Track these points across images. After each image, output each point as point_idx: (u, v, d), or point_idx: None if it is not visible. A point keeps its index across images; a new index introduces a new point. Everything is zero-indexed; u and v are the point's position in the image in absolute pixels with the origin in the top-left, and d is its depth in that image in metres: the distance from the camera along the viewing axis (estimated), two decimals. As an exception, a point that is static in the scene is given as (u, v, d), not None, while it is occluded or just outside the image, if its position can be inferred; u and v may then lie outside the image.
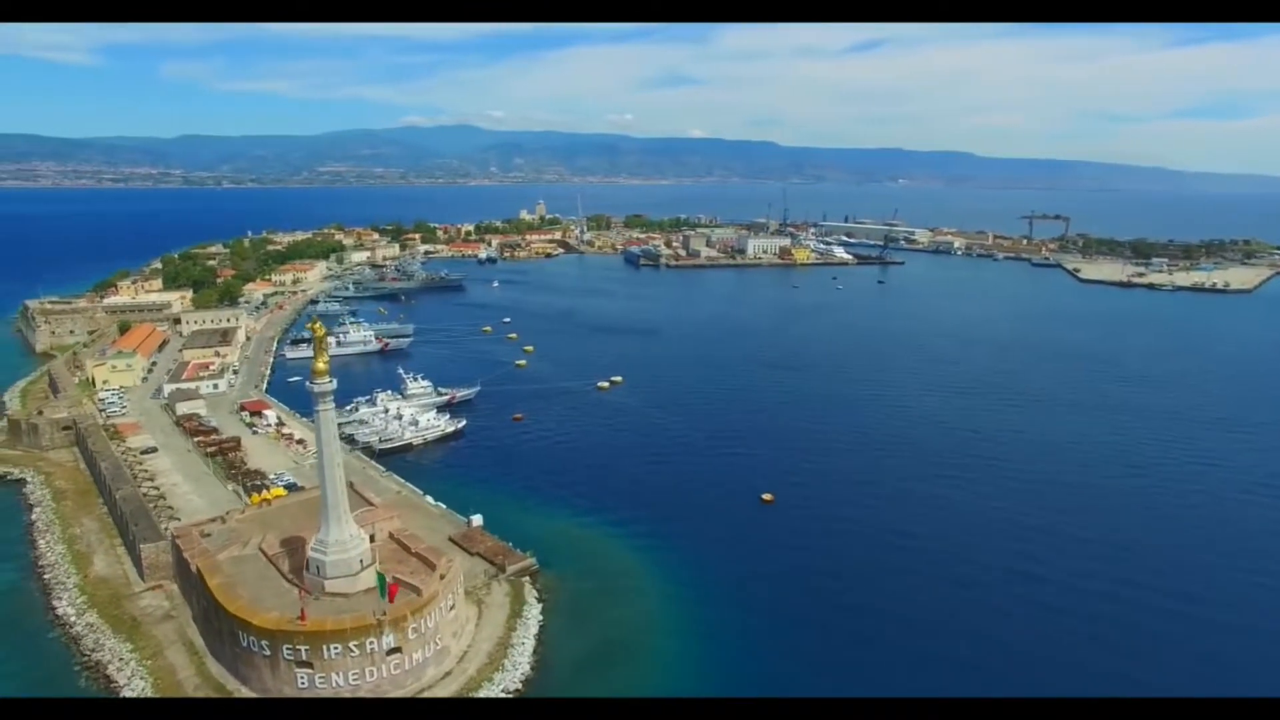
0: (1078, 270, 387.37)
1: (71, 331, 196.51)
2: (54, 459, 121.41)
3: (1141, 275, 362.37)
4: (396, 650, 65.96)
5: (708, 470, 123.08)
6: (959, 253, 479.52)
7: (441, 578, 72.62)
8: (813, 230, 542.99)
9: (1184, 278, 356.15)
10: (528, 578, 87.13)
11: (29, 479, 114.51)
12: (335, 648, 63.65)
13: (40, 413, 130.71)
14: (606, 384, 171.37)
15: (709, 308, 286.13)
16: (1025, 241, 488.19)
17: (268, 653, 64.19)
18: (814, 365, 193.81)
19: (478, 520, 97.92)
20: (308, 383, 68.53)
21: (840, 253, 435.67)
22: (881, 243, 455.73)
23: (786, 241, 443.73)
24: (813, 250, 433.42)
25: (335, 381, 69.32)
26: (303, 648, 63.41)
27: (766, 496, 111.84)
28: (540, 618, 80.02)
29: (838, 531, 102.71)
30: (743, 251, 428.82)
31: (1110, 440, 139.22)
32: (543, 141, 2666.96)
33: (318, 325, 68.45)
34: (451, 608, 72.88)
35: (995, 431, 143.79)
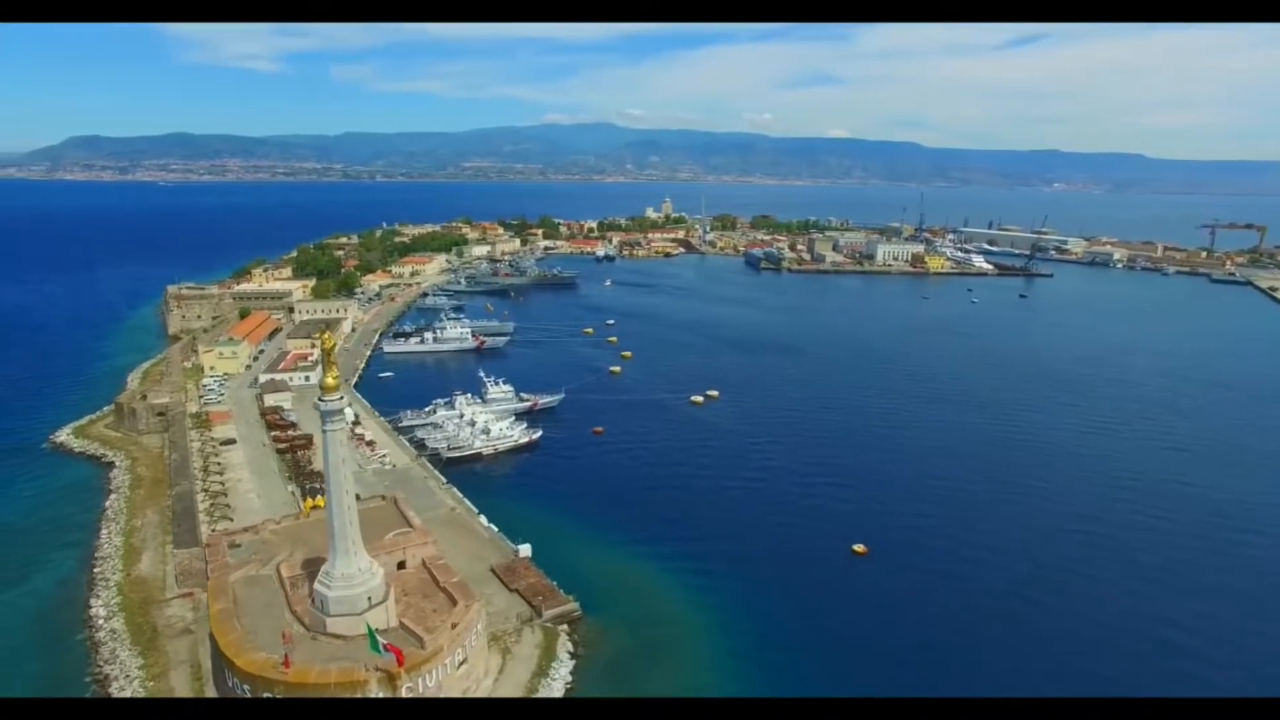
0: (1275, 289, 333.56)
1: (199, 316, 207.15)
2: (145, 444, 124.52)
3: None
4: (388, 710, 57.88)
5: (795, 509, 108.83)
6: (1119, 265, 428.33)
7: (454, 626, 64.18)
8: (951, 237, 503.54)
9: None
10: (565, 625, 77.39)
11: (117, 462, 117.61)
12: (318, 703, 56.35)
13: (144, 397, 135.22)
14: (701, 398, 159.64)
15: (826, 318, 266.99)
16: (1205, 254, 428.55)
17: (249, 697, 57.89)
18: (936, 390, 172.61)
19: (525, 550, 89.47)
20: (315, 400, 61.91)
21: (979, 262, 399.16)
22: (1027, 252, 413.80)
23: (920, 248, 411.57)
24: (948, 258, 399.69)
25: (345, 399, 62.35)
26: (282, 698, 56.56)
27: (859, 548, 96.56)
28: (569, 678, 70.08)
29: (940, 599, 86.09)
30: (871, 257, 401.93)
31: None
32: (679, 140, 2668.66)
33: (326, 336, 61.74)
34: (462, 662, 64.29)
35: (1155, 484, 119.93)
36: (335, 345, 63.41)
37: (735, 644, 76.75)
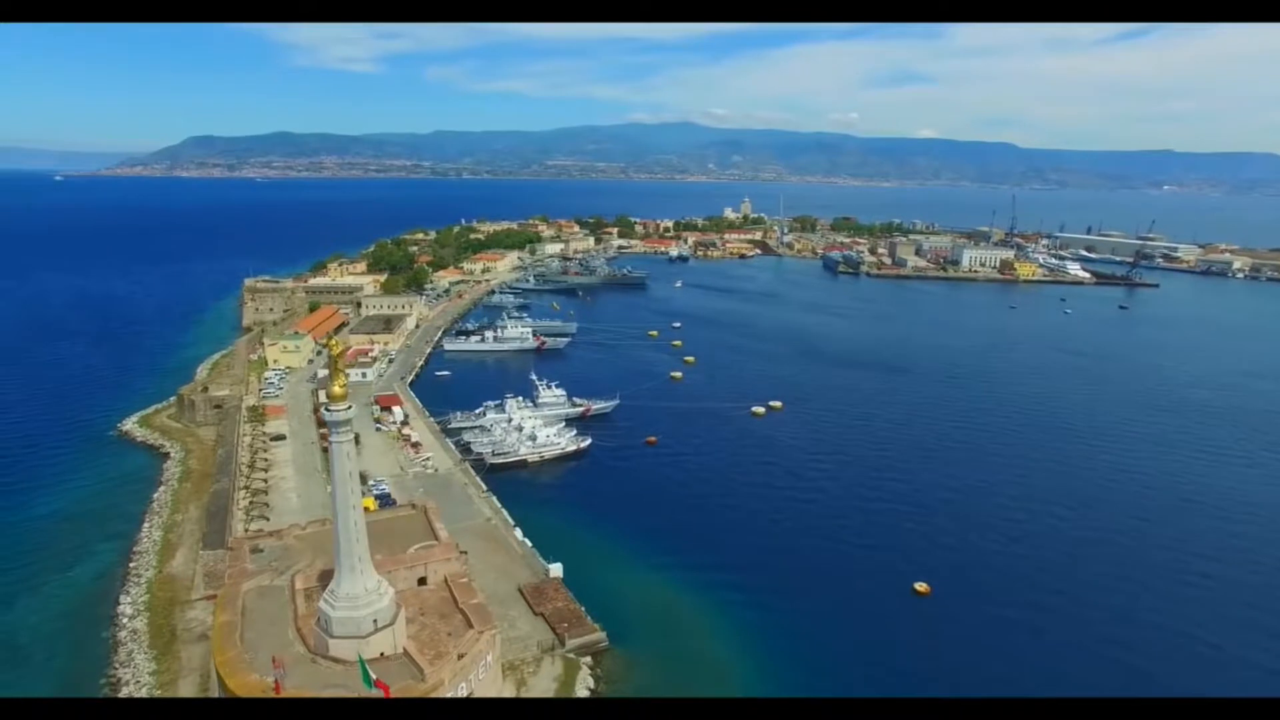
0: None
1: (271, 309, 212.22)
2: (201, 436, 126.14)
3: None
4: (381, 748, 53.75)
5: (853, 539, 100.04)
6: (1239, 275, 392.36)
7: (460, 657, 59.69)
8: (1045, 242, 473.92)
9: None
10: (589, 657, 72.02)
11: (172, 454, 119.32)
12: (307, 735, 52.66)
13: (204, 389, 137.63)
14: (762, 409, 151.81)
15: (902, 327, 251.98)
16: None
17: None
18: (1022, 410, 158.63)
19: (557, 570, 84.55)
20: (323, 408, 58.49)
21: (1075, 270, 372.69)
22: (1131, 260, 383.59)
23: (1009, 254, 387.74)
24: (1040, 265, 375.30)
25: (354, 408, 58.78)
26: (271, 728, 53.13)
27: (921, 586, 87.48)
28: (585, 718, 64.59)
29: (1010, 655, 76.45)
30: (956, 263, 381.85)
31: None
32: (762, 139, 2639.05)
33: (334, 343, 58.15)
34: (468, 696, 59.70)
35: None
36: (343, 350, 59.89)
37: (768, 689, 69.57)
